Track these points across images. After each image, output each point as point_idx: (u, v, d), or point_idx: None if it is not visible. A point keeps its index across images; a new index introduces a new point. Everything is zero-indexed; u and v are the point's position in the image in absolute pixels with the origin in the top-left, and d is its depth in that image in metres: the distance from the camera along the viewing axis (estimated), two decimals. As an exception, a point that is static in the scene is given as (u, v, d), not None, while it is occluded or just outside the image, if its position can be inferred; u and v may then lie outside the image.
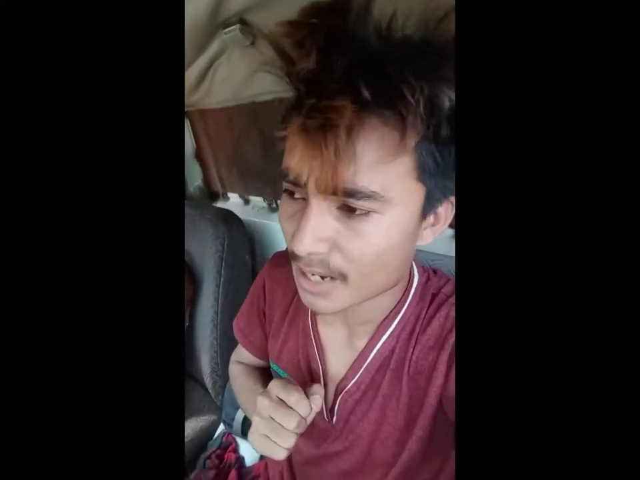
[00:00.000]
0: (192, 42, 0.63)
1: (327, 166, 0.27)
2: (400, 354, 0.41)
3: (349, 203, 0.29)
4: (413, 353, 0.41)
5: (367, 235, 0.30)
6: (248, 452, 0.94)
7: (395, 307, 0.42)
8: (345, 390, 0.44)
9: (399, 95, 0.25)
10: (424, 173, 0.29)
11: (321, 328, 0.48)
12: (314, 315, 0.49)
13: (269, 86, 0.82)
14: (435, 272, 0.46)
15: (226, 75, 0.83)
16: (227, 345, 1.01)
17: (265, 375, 0.60)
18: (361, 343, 0.44)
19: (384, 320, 0.42)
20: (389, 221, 0.30)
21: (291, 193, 0.33)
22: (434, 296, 0.42)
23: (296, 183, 0.30)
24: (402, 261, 0.33)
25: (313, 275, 0.33)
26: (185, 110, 1.18)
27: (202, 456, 0.93)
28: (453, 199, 0.33)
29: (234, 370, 0.64)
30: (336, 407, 0.45)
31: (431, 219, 0.34)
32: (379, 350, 0.42)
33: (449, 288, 0.43)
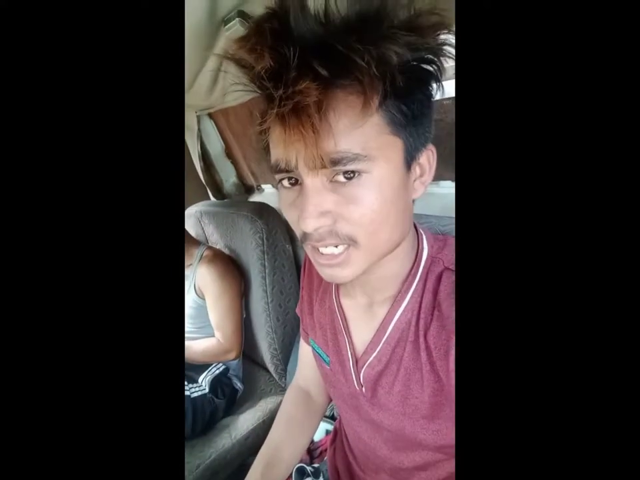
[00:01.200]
0: (196, 44, 0.64)
1: (310, 143, 0.30)
2: (417, 326, 0.41)
3: (338, 171, 0.32)
4: (429, 327, 0.40)
5: (362, 196, 0.33)
6: (315, 429, 0.99)
7: (407, 278, 0.43)
8: (366, 363, 0.46)
9: (350, 63, 0.28)
10: (395, 126, 0.32)
11: (344, 301, 0.50)
12: (337, 290, 0.51)
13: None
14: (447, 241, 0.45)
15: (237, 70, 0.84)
16: (281, 331, 1.05)
17: (312, 414, 0.64)
18: (382, 313, 0.45)
19: (399, 292, 0.43)
20: (378, 178, 0.33)
21: (290, 183, 0.35)
22: (448, 270, 0.42)
23: (288, 169, 0.33)
24: (401, 213, 0.36)
25: (326, 247, 0.35)
26: (207, 112, 1.22)
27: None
28: (431, 147, 0.37)
29: (286, 395, 0.67)
30: (360, 379, 0.47)
31: (416, 170, 0.37)
32: (396, 323, 0.43)
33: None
